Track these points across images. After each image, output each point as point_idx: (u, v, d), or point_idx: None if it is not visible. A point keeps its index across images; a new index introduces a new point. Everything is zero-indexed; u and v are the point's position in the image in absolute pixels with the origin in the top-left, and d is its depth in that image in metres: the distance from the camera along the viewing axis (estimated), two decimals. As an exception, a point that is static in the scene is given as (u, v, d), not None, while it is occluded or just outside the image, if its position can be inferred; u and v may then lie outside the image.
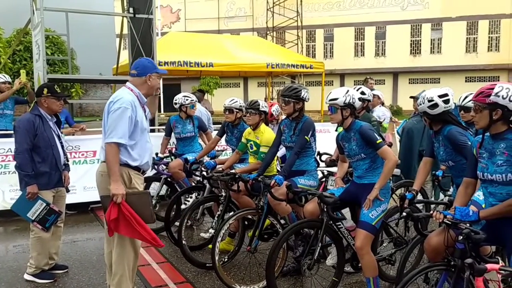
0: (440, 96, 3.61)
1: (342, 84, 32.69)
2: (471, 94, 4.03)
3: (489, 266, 2.38)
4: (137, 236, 3.49)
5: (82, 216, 6.88)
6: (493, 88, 2.80)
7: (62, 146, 4.58)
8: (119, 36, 10.69)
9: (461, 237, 2.73)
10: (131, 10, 8.50)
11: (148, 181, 6.41)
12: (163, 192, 6.27)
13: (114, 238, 3.59)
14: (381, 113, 8.67)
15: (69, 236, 5.86)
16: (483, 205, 3.14)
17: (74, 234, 6.06)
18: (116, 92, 3.64)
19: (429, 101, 3.61)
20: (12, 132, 6.72)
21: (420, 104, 3.67)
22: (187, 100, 6.24)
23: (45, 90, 4.42)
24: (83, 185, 7.00)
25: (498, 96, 2.78)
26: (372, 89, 8.01)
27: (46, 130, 4.39)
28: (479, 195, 3.25)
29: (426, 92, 3.70)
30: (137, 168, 3.65)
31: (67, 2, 9.96)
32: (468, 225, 2.76)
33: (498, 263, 2.71)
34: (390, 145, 7.73)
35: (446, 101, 3.60)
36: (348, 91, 3.90)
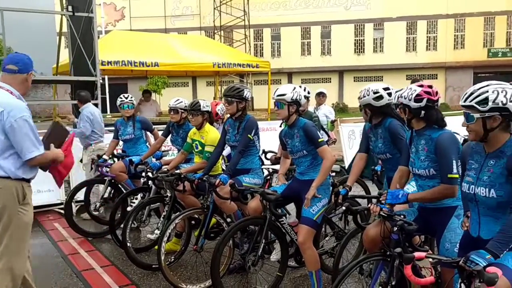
0: (384, 89, 3.83)
1: (290, 83, 33.11)
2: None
3: (416, 254, 2.53)
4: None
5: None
6: None
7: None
8: (59, 35, 10.32)
9: (396, 228, 2.91)
10: (70, 8, 8.22)
11: (92, 183, 6.27)
12: (107, 194, 6.15)
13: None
14: (327, 111, 8.90)
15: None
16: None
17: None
18: None
19: (374, 93, 3.80)
20: None
21: (364, 96, 3.84)
22: (121, 100, 6.25)
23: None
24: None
25: (401, 97, 3.10)
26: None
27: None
28: (408, 188, 3.44)
29: (370, 85, 3.91)
30: (30, 180, 3.29)
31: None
32: (402, 217, 2.93)
33: (426, 251, 2.90)
34: (334, 141, 8.00)
35: (390, 94, 3.84)
36: (295, 88, 4.00)
